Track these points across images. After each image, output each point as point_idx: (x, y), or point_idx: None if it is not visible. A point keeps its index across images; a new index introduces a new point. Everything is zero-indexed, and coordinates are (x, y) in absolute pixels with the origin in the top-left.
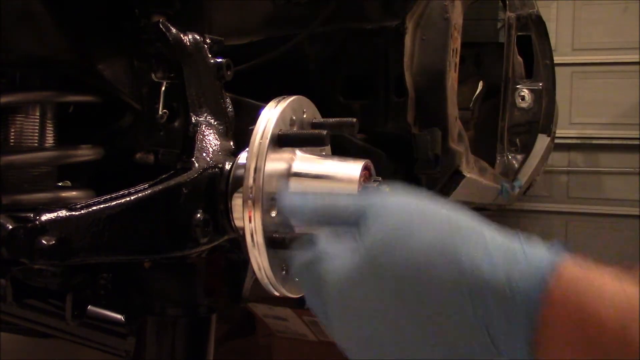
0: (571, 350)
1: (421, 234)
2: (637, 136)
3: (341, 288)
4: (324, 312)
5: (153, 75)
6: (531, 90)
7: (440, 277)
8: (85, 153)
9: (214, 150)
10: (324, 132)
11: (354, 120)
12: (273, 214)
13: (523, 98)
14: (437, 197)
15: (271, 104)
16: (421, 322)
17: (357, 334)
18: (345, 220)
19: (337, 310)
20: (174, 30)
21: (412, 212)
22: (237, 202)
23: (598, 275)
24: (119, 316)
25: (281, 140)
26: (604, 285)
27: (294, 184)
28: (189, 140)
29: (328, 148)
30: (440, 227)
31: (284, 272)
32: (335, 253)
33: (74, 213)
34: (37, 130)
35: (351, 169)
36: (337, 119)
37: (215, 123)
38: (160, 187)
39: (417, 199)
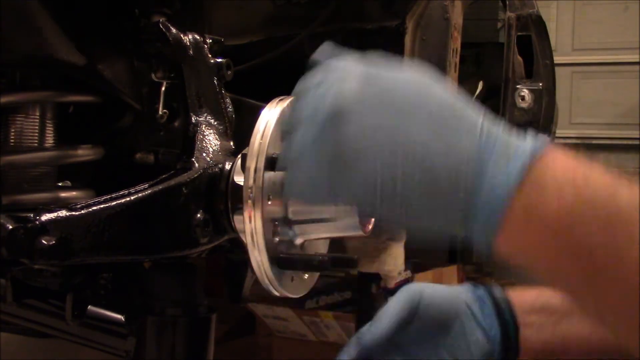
0: (543, 240)
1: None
2: (637, 136)
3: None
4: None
5: (153, 75)
6: (531, 90)
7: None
8: (85, 153)
9: (214, 150)
10: None
11: None
12: (277, 239)
13: (523, 98)
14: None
15: (271, 104)
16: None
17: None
18: None
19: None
20: (174, 30)
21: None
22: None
23: (578, 165)
24: (119, 316)
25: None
26: (584, 171)
27: None
28: (189, 140)
29: None
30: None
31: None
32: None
33: (74, 213)
34: (37, 130)
35: None
36: None
37: (215, 123)
38: (160, 187)
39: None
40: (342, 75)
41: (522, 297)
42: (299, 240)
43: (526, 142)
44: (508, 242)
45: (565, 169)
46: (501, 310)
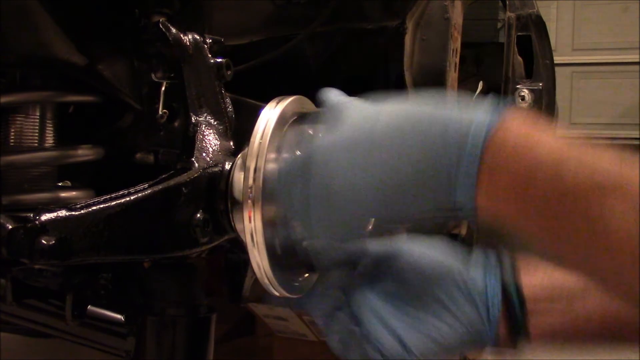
0: (509, 193)
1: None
2: (637, 136)
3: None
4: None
5: (153, 75)
6: (531, 90)
7: (413, 131)
8: (85, 153)
9: (214, 150)
10: None
11: None
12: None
13: (523, 98)
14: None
15: (271, 104)
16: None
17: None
18: None
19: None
20: (174, 30)
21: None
22: (236, 201)
23: (538, 129)
24: (119, 316)
25: (299, 122)
26: (541, 134)
27: None
28: (189, 140)
29: None
30: (406, 108)
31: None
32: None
33: (74, 213)
34: (37, 130)
35: None
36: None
37: (215, 123)
38: (160, 187)
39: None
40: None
41: (531, 280)
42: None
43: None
44: (484, 203)
45: (519, 134)
46: (508, 294)
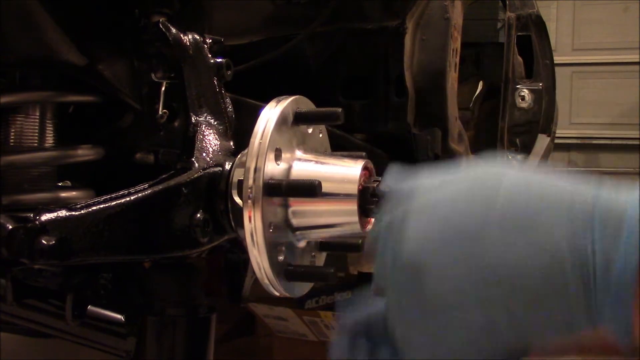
0: None
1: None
2: (637, 136)
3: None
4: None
5: (153, 75)
6: (531, 90)
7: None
8: (85, 153)
9: (214, 150)
10: (339, 109)
11: (339, 110)
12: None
13: (523, 98)
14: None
15: (271, 104)
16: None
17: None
18: None
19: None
20: (174, 30)
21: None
22: (237, 202)
23: None
24: (119, 316)
25: (297, 118)
26: None
27: None
28: (189, 140)
29: (328, 147)
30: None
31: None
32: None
33: (74, 213)
34: (37, 130)
35: (351, 169)
36: (323, 109)
37: (215, 123)
38: (160, 187)
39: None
40: (408, 215)
41: None
42: (301, 243)
43: (628, 204)
44: None
45: None
46: None
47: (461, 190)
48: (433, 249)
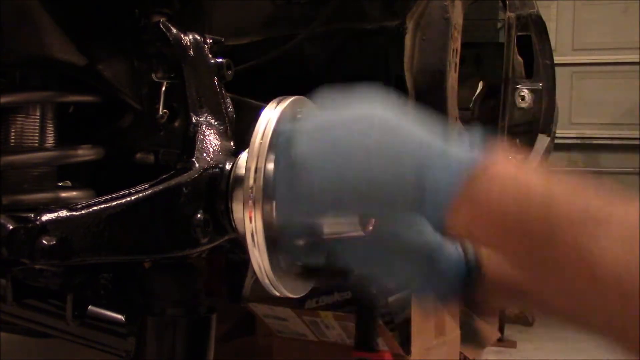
0: (491, 222)
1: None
2: (637, 136)
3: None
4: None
5: (153, 75)
6: (531, 90)
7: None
8: (85, 153)
9: (214, 150)
10: None
11: None
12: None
13: (523, 98)
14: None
15: (271, 104)
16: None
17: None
18: None
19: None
20: (174, 30)
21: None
22: (237, 202)
23: (525, 167)
24: (119, 316)
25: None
26: (529, 171)
27: None
28: (189, 140)
29: None
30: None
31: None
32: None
33: (74, 213)
34: (37, 130)
35: None
36: None
37: (216, 123)
38: (160, 187)
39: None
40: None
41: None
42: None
43: (467, 153)
44: (456, 225)
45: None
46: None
47: (349, 119)
48: (317, 157)
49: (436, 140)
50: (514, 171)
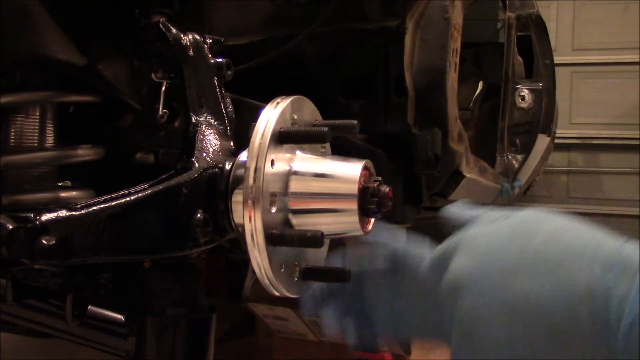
0: None
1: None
2: (637, 136)
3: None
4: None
5: (153, 75)
6: (531, 90)
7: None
8: (85, 153)
9: (214, 150)
10: (325, 128)
11: (355, 122)
12: (273, 210)
13: (523, 98)
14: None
15: (271, 104)
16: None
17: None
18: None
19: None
20: (174, 30)
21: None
22: (237, 202)
23: None
24: (119, 316)
25: (282, 137)
26: None
27: (294, 183)
28: (189, 140)
29: (328, 148)
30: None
31: (282, 270)
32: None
33: (74, 213)
34: (37, 130)
35: (351, 168)
36: (339, 121)
37: (215, 123)
38: (160, 187)
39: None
40: (457, 245)
41: None
42: None
43: None
44: None
45: None
46: None
47: (505, 229)
48: (471, 276)
49: (614, 241)
50: None
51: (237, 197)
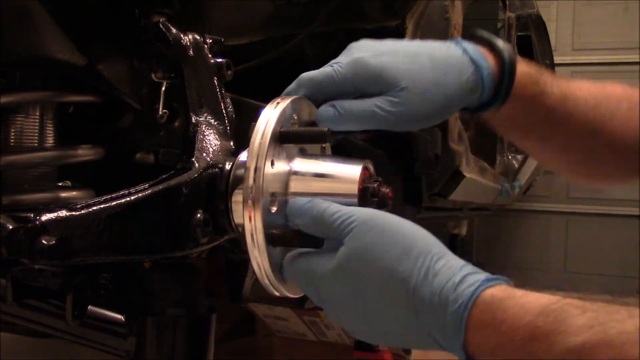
0: (492, 349)
1: (383, 254)
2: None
3: (325, 280)
4: (317, 295)
5: (153, 75)
6: None
7: (393, 297)
8: (85, 153)
9: (214, 150)
10: (325, 128)
11: (325, 130)
12: (273, 209)
13: None
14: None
15: (271, 104)
16: (377, 319)
17: (338, 310)
18: (332, 233)
19: (324, 295)
20: (174, 30)
21: (380, 238)
22: (237, 202)
23: (512, 304)
24: (119, 316)
25: (282, 137)
26: (514, 310)
27: (294, 183)
28: (189, 140)
29: (328, 147)
30: (397, 253)
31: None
32: (322, 255)
33: (74, 213)
34: (37, 130)
35: (351, 169)
36: (307, 128)
37: (215, 123)
38: (160, 187)
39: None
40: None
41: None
42: None
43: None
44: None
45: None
46: (500, 55)
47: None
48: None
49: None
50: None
51: (237, 197)
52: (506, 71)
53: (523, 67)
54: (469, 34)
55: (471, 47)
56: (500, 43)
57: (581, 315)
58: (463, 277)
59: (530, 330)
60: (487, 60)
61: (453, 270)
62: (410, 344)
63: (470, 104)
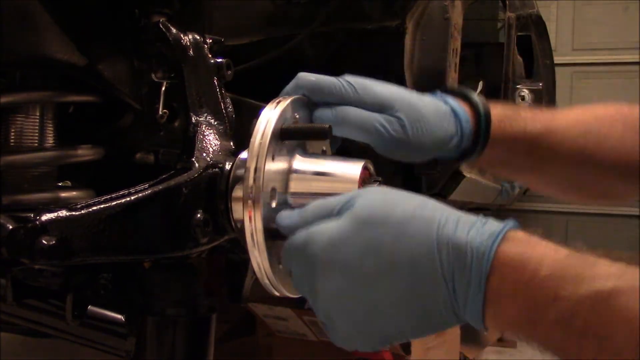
0: (513, 302)
1: (403, 203)
2: None
3: (327, 246)
4: (311, 288)
5: (153, 75)
6: (531, 90)
7: (413, 237)
8: (85, 153)
9: (214, 150)
10: (327, 125)
11: (327, 126)
12: (273, 204)
13: (523, 98)
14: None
15: (271, 103)
16: (394, 284)
17: (338, 300)
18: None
19: (322, 278)
20: (174, 30)
21: (391, 196)
22: (237, 201)
23: (540, 244)
24: (119, 316)
25: (283, 134)
26: (543, 249)
27: (294, 183)
28: (189, 140)
29: (329, 147)
30: (414, 204)
31: (282, 270)
32: (322, 228)
33: (74, 213)
34: (37, 130)
35: (351, 168)
36: (308, 125)
37: (215, 123)
38: (160, 187)
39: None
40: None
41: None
42: None
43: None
44: (492, 325)
45: (516, 273)
46: (475, 106)
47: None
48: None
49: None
50: (524, 258)
51: (237, 197)
52: (482, 120)
53: (499, 110)
54: (445, 89)
55: (450, 99)
56: (474, 96)
57: (611, 265)
58: (486, 221)
59: (561, 268)
60: (464, 110)
61: (473, 218)
62: (418, 320)
63: (452, 152)
